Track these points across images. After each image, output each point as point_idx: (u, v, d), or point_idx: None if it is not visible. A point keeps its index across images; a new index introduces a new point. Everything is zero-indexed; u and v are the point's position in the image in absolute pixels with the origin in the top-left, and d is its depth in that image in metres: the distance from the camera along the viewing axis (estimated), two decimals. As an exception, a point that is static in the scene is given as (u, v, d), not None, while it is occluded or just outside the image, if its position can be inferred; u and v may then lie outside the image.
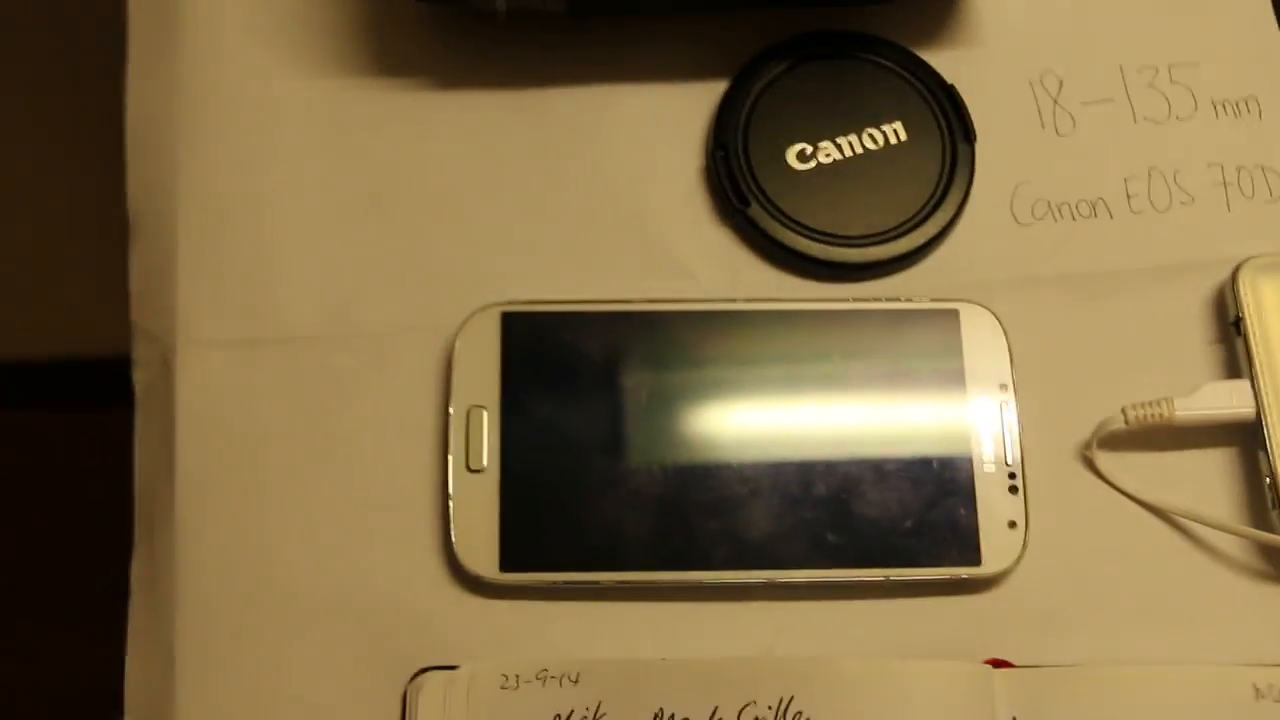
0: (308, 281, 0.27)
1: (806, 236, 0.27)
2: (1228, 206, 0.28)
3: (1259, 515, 0.26)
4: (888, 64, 0.28)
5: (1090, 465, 0.26)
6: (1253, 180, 0.28)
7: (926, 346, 0.26)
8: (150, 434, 0.26)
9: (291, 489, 0.25)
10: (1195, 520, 0.26)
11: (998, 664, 0.24)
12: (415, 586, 0.25)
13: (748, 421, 0.26)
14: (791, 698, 0.23)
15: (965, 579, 0.25)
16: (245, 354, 0.26)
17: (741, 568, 0.25)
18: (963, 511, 0.25)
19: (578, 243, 0.27)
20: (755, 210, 0.27)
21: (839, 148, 0.28)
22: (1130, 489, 0.26)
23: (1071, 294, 0.27)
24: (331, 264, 0.27)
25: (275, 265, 0.27)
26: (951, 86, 0.28)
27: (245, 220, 0.27)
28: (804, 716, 0.23)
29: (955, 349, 0.26)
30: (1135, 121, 0.29)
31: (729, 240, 0.28)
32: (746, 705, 0.23)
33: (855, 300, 0.27)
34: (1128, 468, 0.26)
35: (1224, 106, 0.29)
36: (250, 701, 0.24)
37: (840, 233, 0.27)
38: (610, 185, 0.28)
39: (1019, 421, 0.26)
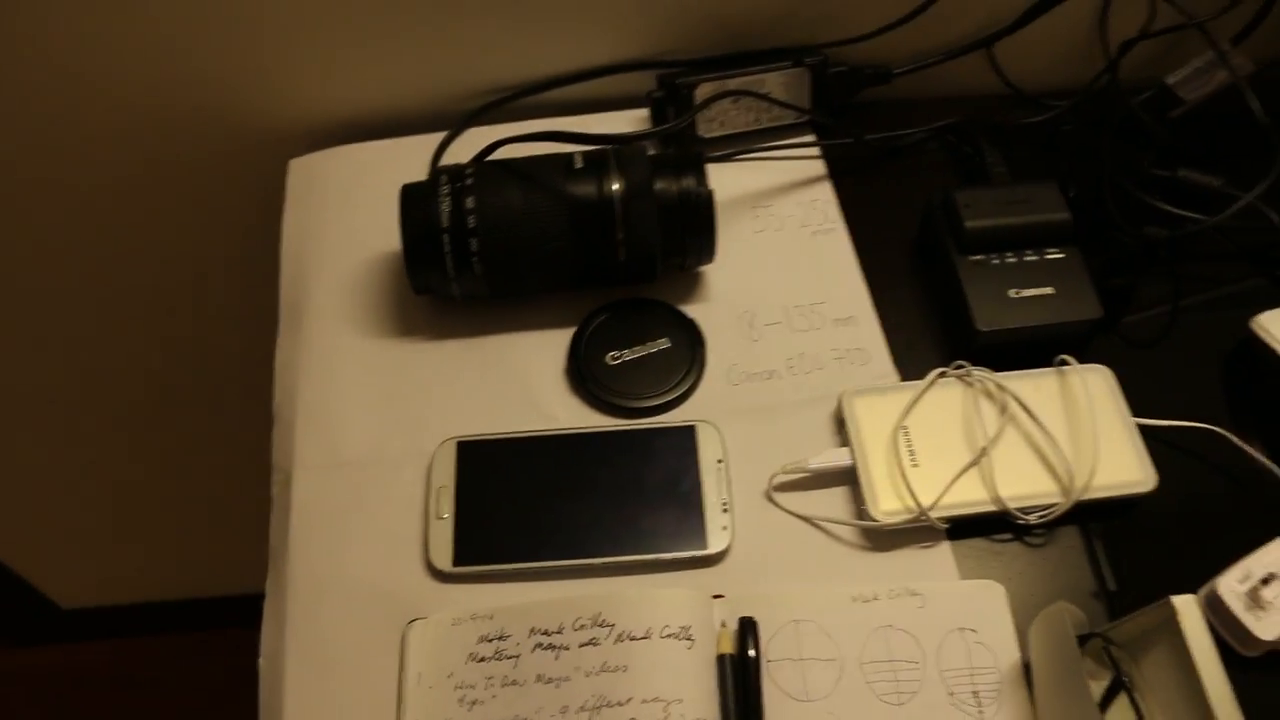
0: (358, 435, 0.53)
1: (618, 397, 0.54)
2: (840, 370, 0.56)
3: (856, 515, 0.51)
4: (660, 310, 0.57)
5: (770, 496, 0.52)
6: (852, 358, 0.56)
7: (681, 444, 0.52)
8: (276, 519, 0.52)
9: (351, 528, 0.50)
10: (826, 520, 0.51)
11: (716, 596, 0.48)
12: (410, 578, 0.49)
13: (581, 479, 0.52)
14: (600, 612, 0.47)
15: (699, 556, 0.49)
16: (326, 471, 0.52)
17: (581, 557, 0.49)
18: (698, 522, 0.50)
19: (498, 408, 0.54)
20: (592, 386, 0.54)
21: (634, 352, 0.55)
22: (790, 507, 0.51)
23: (758, 417, 0.54)
24: (367, 425, 0.54)
25: (342, 432, 0.54)
26: (693, 320, 0.57)
27: (329, 403, 0.54)
28: (607, 619, 0.46)
29: (694, 444, 0.52)
30: (792, 332, 0.57)
31: (579, 403, 0.55)
32: (578, 618, 0.47)
33: (643, 424, 0.54)
34: (791, 497, 0.51)
35: (836, 321, 0.57)
36: (321, 645, 0.48)
37: (636, 395, 0.54)
38: (519, 378, 0.55)
39: (729, 476, 0.51)
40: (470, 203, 0.52)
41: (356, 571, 0.49)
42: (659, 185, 0.54)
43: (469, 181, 0.53)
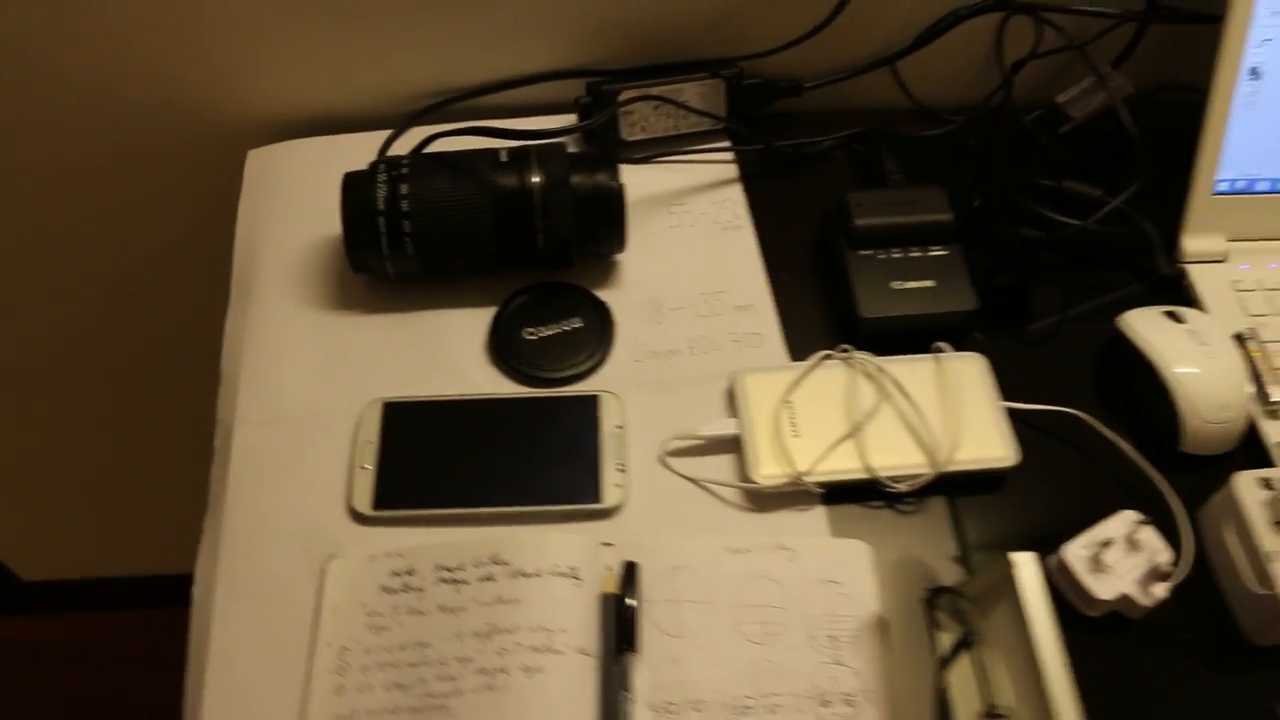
0: (295, 395, 0.60)
1: (532, 368, 0.61)
2: (737, 352, 0.62)
3: (740, 479, 0.57)
4: (575, 293, 0.64)
5: (663, 460, 0.58)
6: (748, 341, 0.62)
7: (585, 411, 0.59)
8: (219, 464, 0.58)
9: (284, 476, 0.57)
10: (712, 482, 0.57)
11: (606, 544, 0.54)
12: (333, 521, 0.55)
13: (493, 438, 0.58)
14: (498, 552, 0.53)
15: (594, 509, 0.55)
16: (264, 425, 0.59)
17: (487, 506, 0.55)
18: (595, 479, 0.56)
19: (424, 375, 0.61)
20: (509, 358, 0.61)
21: (549, 330, 0.62)
22: (681, 470, 0.57)
23: (659, 391, 0.60)
24: (305, 387, 0.60)
25: (280, 392, 0.60)
26: (605, 303, 0.63)
27: (271, 366, 0.61)
28: (504, 558, 0.52)
29: (596, 411, 0.59)
30: (696, 316, 0.63)
31: (498, 373, 0.61)
32: (479, 556, 0.53)
33: (551, 393, 0.60)
34: (684, 462, 0.58)
35: (736, 308, 0.64)
36: (249, 578, 0.54)
37: (548, 367, 0.61)
38: (444, 349, 0.62)
39: (627, 441, 0.58)
40: (404, 189, 0.59)
41: (286, 514, 0.56)
42: (575, 179, 0.60)
43: (404, 170, 0.60)
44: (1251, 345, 0.64)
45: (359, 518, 0.55)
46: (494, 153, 0.61)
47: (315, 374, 0.60)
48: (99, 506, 1.11)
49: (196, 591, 0.54)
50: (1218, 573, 0.57)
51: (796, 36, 0.67)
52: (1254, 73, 0.65)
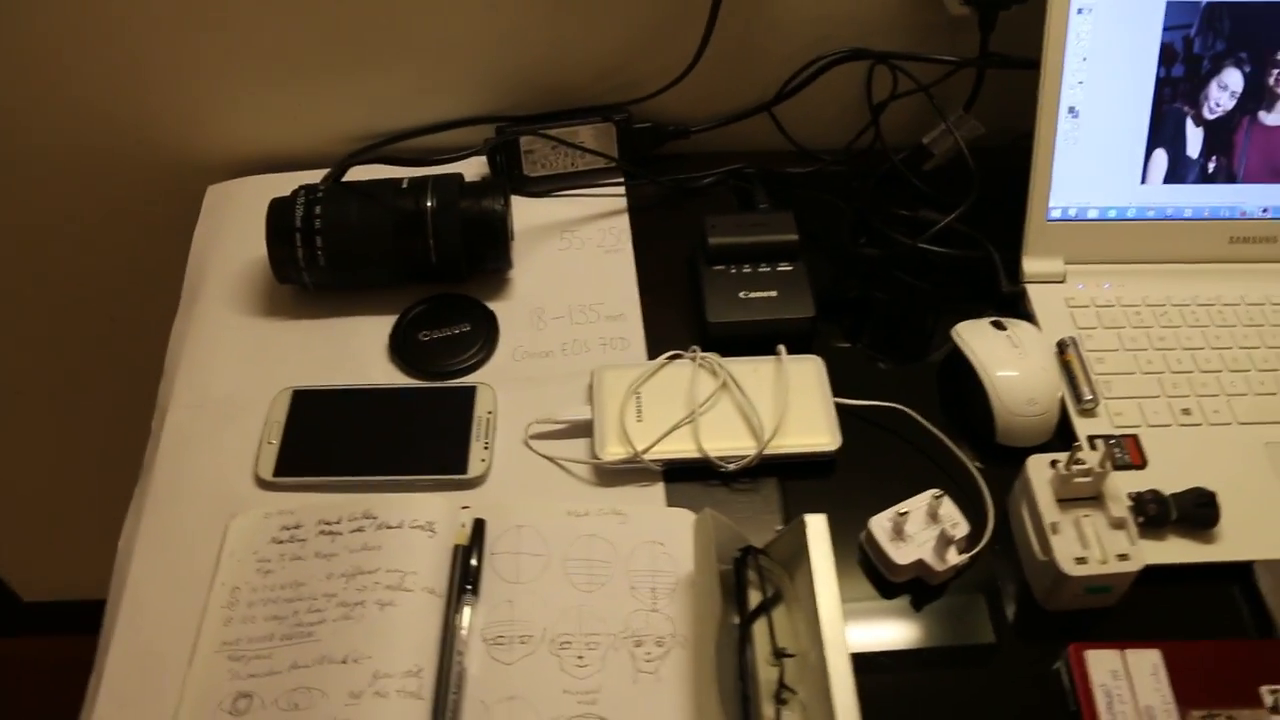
0: (222, 384, 0.73)
1: (423, 364, 0.73)
2: (603, 353, 0.73)
3: (590, 458, 0.68)
4: (466, 302, 0.76)
5: (526, 441, 0.69)
6: (614, 344, 0.74)
7: (462, 399, 0.70)
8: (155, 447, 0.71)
9: (204, 450, 0.69)
10: (565, 460, 0.68)
11: (464, 507, 0.65)
12: (241, 486, 0.67)
13: (382, 420, 0.70)
14: (370, 509, 0.64)
15: (459, 479, 0.67)
16: (193, 408, 0.72)
17: (371, 475, 0.67)
18: (463, 454, 0.68)
19: (332, 370, 0.73)
20: (405, 356, 0.73)
21: (441, 333, 0.74)
22: (540, 450, 0.68)
23: (531, 385, 0.72)
24: (231, 378, 0.73)
25: (211, 382, 0.73)
26: (492, 311, 0.75)
27: (204, 361, 0.74)
28: (373, 514, 0.64)
29: (472, 400, 0.70)
30: (572, 324, 0.75)
31: (395, 369, 0.73)
32: (354, 513, 0.64)
33: (435, 384, 0.72)
34: (547, 444, 0.69)
35: (607, 317, 0.75)
36: (166, 533, 0.66)
37: (437, 364, 0.73)
38: (351, 348, 0.74)
39: (495, 424, 0.69)
40: (318, 210, 0.72)
41: (202, 481, 0.68)
42: (464, 204, 0.73)
43: (319, 195, 0.73)
44: (1070, 352, 0.73)
45: (262, 483, 0.67)
46: (397, 182, 0.74)
47: (241, 367, 0.73)
48: (100, 528, 1.25)
49: (121, 545, 0.66)
50: (1016, 545, 0.66)
51: (668, 84, 0.80)
52: (1073, 111, 0.75)
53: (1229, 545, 0.66)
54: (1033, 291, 0.77)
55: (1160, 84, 0.75)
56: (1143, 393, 0.72)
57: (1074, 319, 0.76)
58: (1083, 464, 0.63)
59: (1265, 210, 0.79)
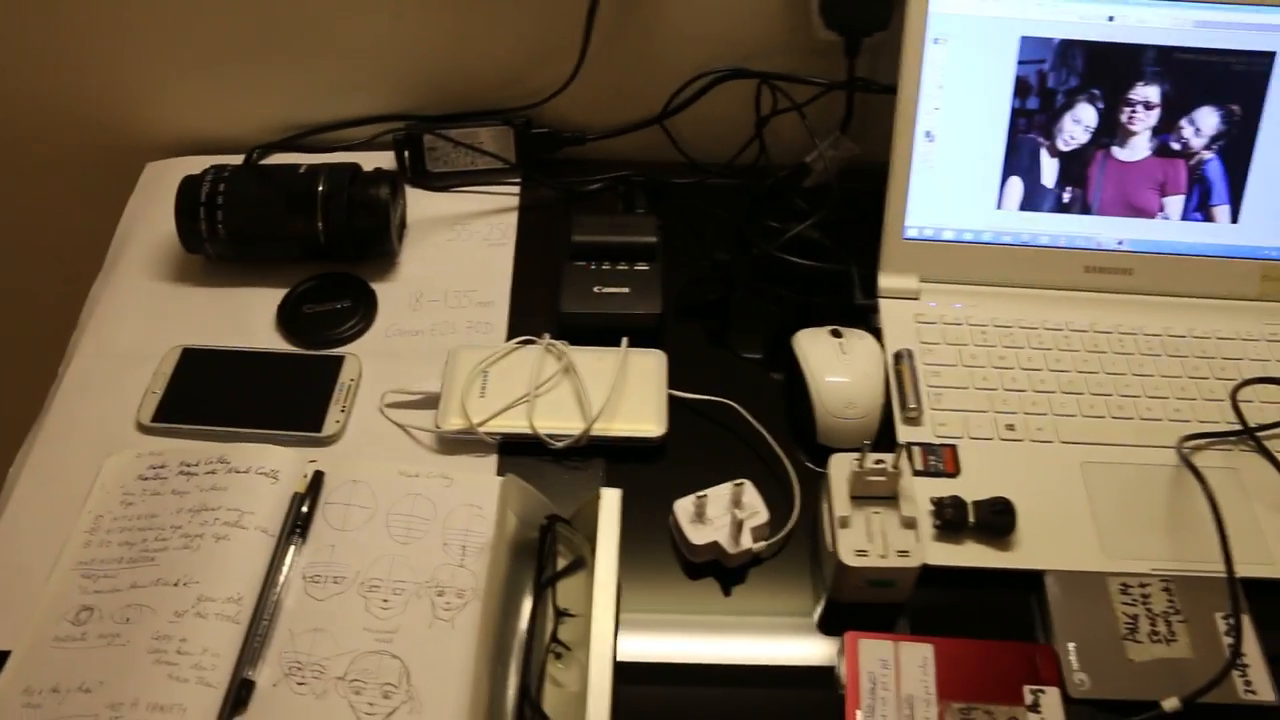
0: (125, 340, 0.82)
1: (303, 334, 0.81)
2: (468, 335, 0.81)
3: (434, 426, 0.75)
4: (352, 281, 0.84)
5: (381, 408, 0.77)
6: (479, 328, 0.81)
7: (329, 367, 0.78)
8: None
9: (98, 397, 0.78)
10: (412, 427, 0.75)
11: (312, 461, 0.73)
12: (124, 430, 0.76)
13: (256, 381, 0.78)
14: (224, 455, 0.72)
15: (314, 437, 0.75)
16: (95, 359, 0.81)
17: (237, 427, 0.75)
18: (321, 415, 0.76)
19: (226, 334, 0.82)
20: (289, 325, 0.81)
21: (324, 307, 0.82)
22: (393, 418, 0.76)
23: (398, 360, 0.79)
24: (134, 335, 0.82)
25: (116, 338, 0.82)
26: (373, 290, 0.83)
27: (113, 319, 0.83)
28: (226, 459, 0.72)
29: (338, 369, 0.78)
30: (446, 308, 0.83)
31: (279, 337, 0.82)
32: (210, 457, 0.73)
33: (313, 352, 0.80)
34: (402, 412, 0.76)
35: (478, 304, 0.83)
36: (50, 467, 0.75)
37: (315, 334, 0.81)
38: (245, 315, 0.83)
39: (356, 391, 0.77)
40: (222, 188, 0.82)
41: (91, 424, 0.77)
42: (352, 190, 0.82)
43: (226, 174, 0.82)
44: (903, 363, 0.79)
45: (142, 428, 0.76)
46: (297, 167, 0.83)
47: (144, 326, 0.82)
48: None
49: (10, 472, 0.76)
50: (818, 539, 0.72)
51: (552, 93, 0.88)
52: (929, 135, 0.81)
53: (1023, 554, 0.70)
54: (885, 306, 0.83)
55: (1015, 114, 0.81)
56: (970, 407, 0.77)
57: (919, 334, 0.81)
58: (881, 464, 0.68)
59: (1120, 243, 0.84)
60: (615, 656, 0.64)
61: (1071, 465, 0.75)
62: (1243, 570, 0.70)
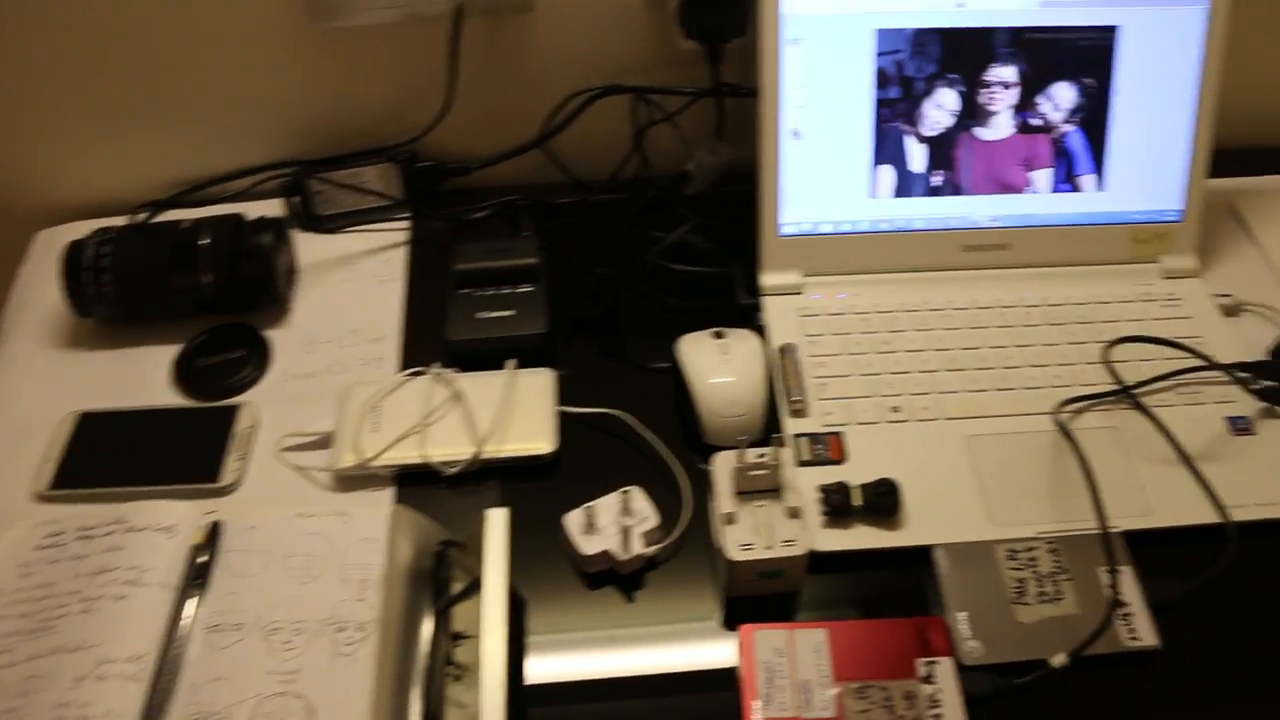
0: (23, 406, 0.84)
1: (200, 388, 0.83)
2: (362, 372, 0.83)
3: (330, 465, 0.77)
4: (244, 331, 0.86)
5: (278, 453, 0.79)
6: (373, 364, 0.84)
7: (225, 417, 0.81)
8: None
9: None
10: (310, 468, 0.78)
11: (210, 512, 0.75)
12: (21, 499, 0.78)
13: (153, 440, 0.80)
14: (123, 516, 0.75)
15: (213, 488, 0.77)
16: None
17: (135, 485, 0.78)
18: (219, 465, 0.78)
19: (122, 394, 0.84)
20: (185, 380, 0.84)
21: (218, 359, 0.85)
22: (292, 460, 0.78)
23: (295, 403, 0.82)
24: (32, 400, 0.84)
25: (14, 404, 0.84)
26: (266, 337, 0.86)
27: (10, 388, 0.85)
28: (124, 519, 0.74)
29: (234, 418, 0.81)
30: (339, 348, 0.85)
31: (176, 393, 0.84)
32: (108, 519, 0.75)
33: (208, 404, 0.82)
34: (301, 455, 0.79)
35: (370, 340, 0.85)
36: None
37: (212, 387, 0.83)
38: (140, 374, 0.85)
39: (253, 438, 0.79)
40: (106, 250, 0.84)
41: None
42: (236, 242, 0.84)
43: (110, 236, 0.85)
44: (786, 358, 0.81)
45: (39, 498, 0.78)
46: (179, 223, 0.85)
47: (39, 395, 0.84)
48: None
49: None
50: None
51: (429, 127, 0.91)
52: (796, 133, 0.84)
53: (911, 532, 0.73)
54: (769, 303, 0.86)
55: (879, 105, 0.84)
56: (855, 393, 0.80)
57: (803, 327, 0.84)
58: (761, 458, 0.71)
59: (994, 219, 0.87)
60: (524, 677, 0.66)
61: (956, 440, 0.78)
62: (1125, 524, 0.73)
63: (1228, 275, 0.91)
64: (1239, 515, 0.74)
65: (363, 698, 0.67)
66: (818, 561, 0.72)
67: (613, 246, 0.91)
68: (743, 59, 0.89)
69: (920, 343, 0.83)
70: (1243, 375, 0.81)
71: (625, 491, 0.73)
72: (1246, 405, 0.81)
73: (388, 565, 0.70)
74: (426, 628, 0.69)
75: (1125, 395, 0.80)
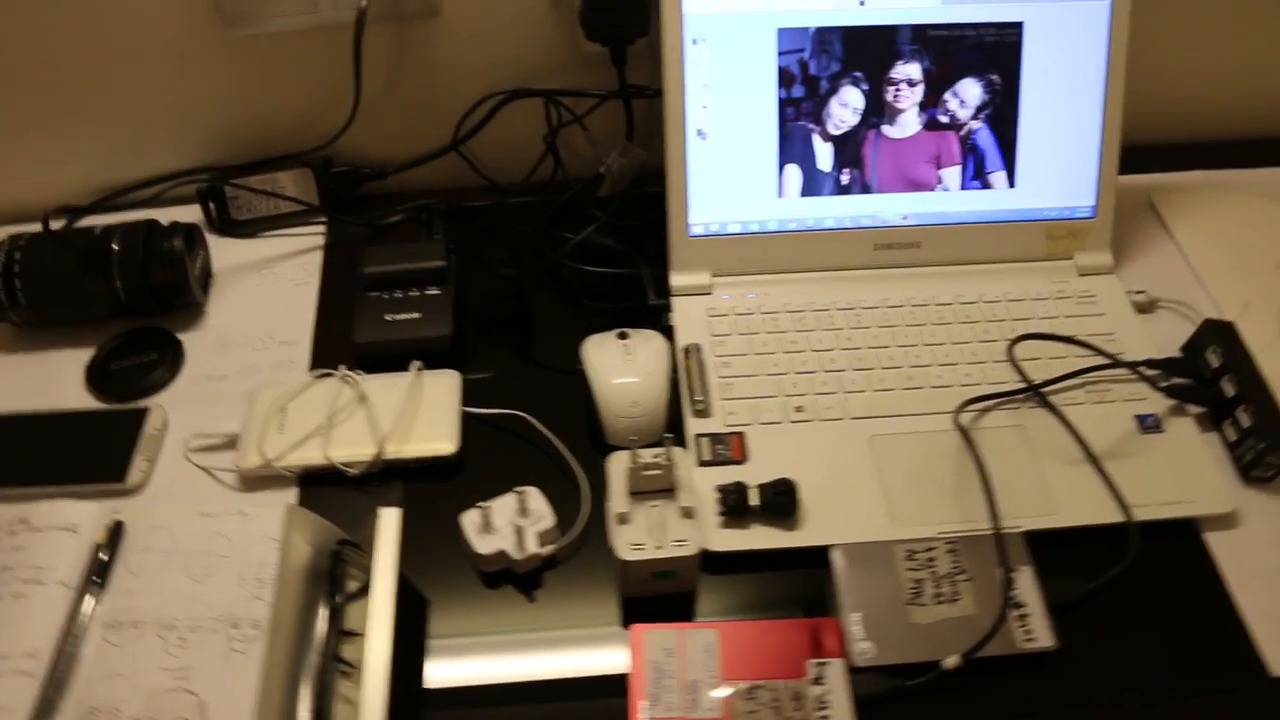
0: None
1: (111, 390, 0.85)
2: (272, 375, 0.85)
3: (235, 466, 0.79)
4: (159, 334, 0.88)
5: (186, 454, 0.81)
6: (284, 367, 0.86)
7: (133, 420, 0.83)
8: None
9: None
10: (216, 469, 0.79)
11: (115, 513, 0.77)
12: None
13: (60, 440, 0.82)
14: (25, 516, 0.76)
15: (119, 489, 0.79)
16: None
17: (43, 485, 0.79)
18: (126, 466, 0.80)
19: (38, 398, 0.86)
20: (98, 383, 0.86)
21: (130, 362, 0.87)
22: (200, 462, 0.80)
23: (206, 405, 0.84)
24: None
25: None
26: (180, 340, 0.88)
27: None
28: (27, 519, 0.76)
29: (143, 420, 0.83)
30: (251, 350, 0.87)
31: (89, 396, 0.86)
32: (13, 519, 0.77)
33: (117, 406, 0.84)
34: (210, 455, 0.80)
35: (282, 343, 0.87)
36: None
37: (123, 390, 0.85)
38: (56, 378, 0.87)
39: (162, 440, 0.81)
40: (18, 256, 0.86)
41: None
42: (148, 247, 0.86)
43: (22, 244, 0.87)
44: (690, 358, 0.83)
45: (-38, 491, 0.80)
46: (92, 229, 0.88)
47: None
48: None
49: None
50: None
51: (338, 133, 0.93)
52: (701, 134, 0.86)
53: (809, 531, 0.75)
54: (677, 303, 0.87)
55: (783, 104, 0.86)
56: (760, 393, 0.82)
57: (710, 327, 0.86)
58: (656, 458, 0.73)
59: (905, 217, 0.88)
60: (424, 680, 0.68)
61: (860, 440, 0.79)
62: (1027, 524, 0.74)
63: (1144, 271, 0.92)
64: (1142, 515, 0.75)
65: (256, 694, 0.68)
66: (715, 562, 0.74)
67: (528, 249, 0.93)
68: (646, 61, 0.91)
69: (828, 342, 0.85)
70: (1150, 373, 0.82)
71: (521, 491, 0.75)
72: (1157, 403, 0.82)
73: (280, 563, 0.71)
74: (320, 625, 0.70)
75: (1033, 394, 0.81)
